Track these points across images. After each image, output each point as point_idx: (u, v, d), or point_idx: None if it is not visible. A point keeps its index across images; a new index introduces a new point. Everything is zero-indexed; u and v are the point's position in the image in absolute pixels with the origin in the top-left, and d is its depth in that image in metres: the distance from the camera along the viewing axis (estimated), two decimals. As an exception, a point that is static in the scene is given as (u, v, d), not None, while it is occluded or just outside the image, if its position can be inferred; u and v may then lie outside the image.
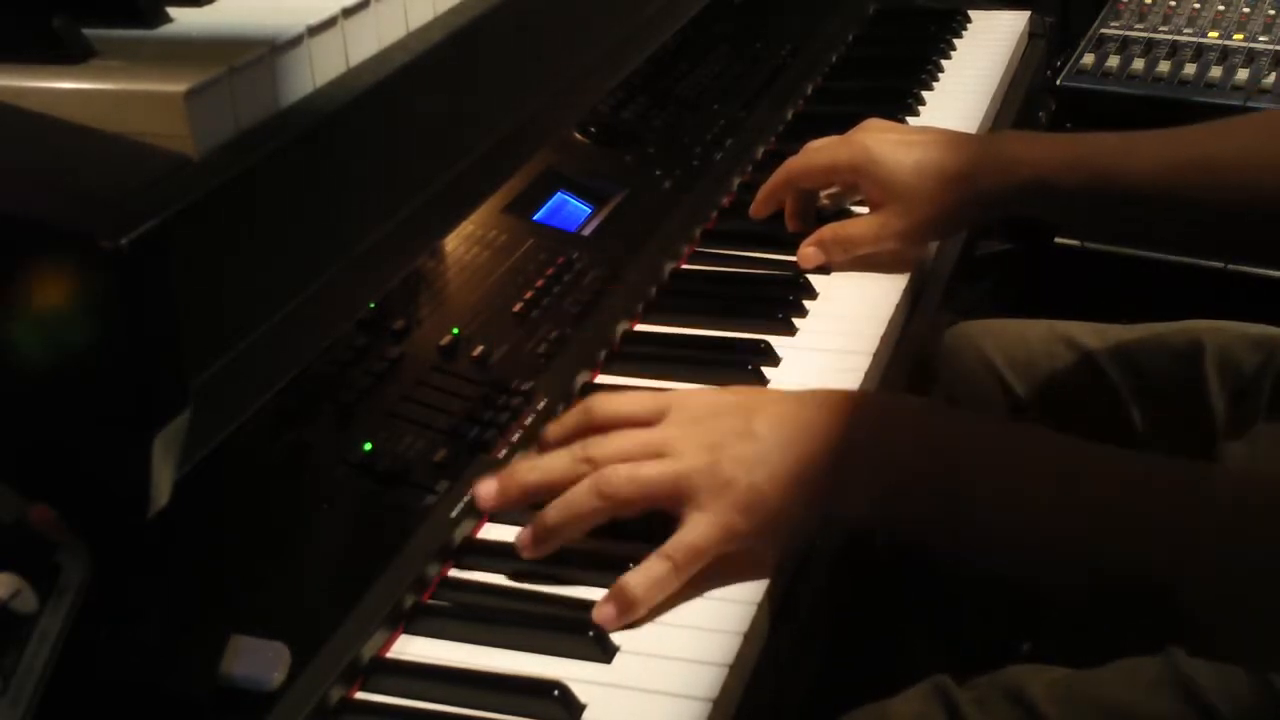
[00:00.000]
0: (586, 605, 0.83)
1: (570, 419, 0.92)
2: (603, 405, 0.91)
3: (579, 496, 0.85)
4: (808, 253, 1.16)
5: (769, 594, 0.84)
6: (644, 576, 0.82)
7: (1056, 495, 0.81)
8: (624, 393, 0.94)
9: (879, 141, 1.16)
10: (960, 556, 0.91)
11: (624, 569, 0.83)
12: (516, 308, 1.05)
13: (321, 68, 0.73)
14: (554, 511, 0.85)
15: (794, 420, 0.86)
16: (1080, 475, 0.82)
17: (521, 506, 0.88)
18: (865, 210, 1.20)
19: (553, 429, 0.92)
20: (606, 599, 0.82)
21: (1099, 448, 0.83)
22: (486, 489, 0.88)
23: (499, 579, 0.87)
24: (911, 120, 1.45)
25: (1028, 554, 0.83)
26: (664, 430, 0.87)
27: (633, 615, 0.82)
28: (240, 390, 0.70)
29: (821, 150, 1.19)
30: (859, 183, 1.18)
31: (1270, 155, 1.04)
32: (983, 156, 1.13)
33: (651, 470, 0.84)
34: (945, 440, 0.86)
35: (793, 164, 1.20)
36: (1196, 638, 0.83)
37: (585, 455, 0.87)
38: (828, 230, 1.17)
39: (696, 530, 0.83)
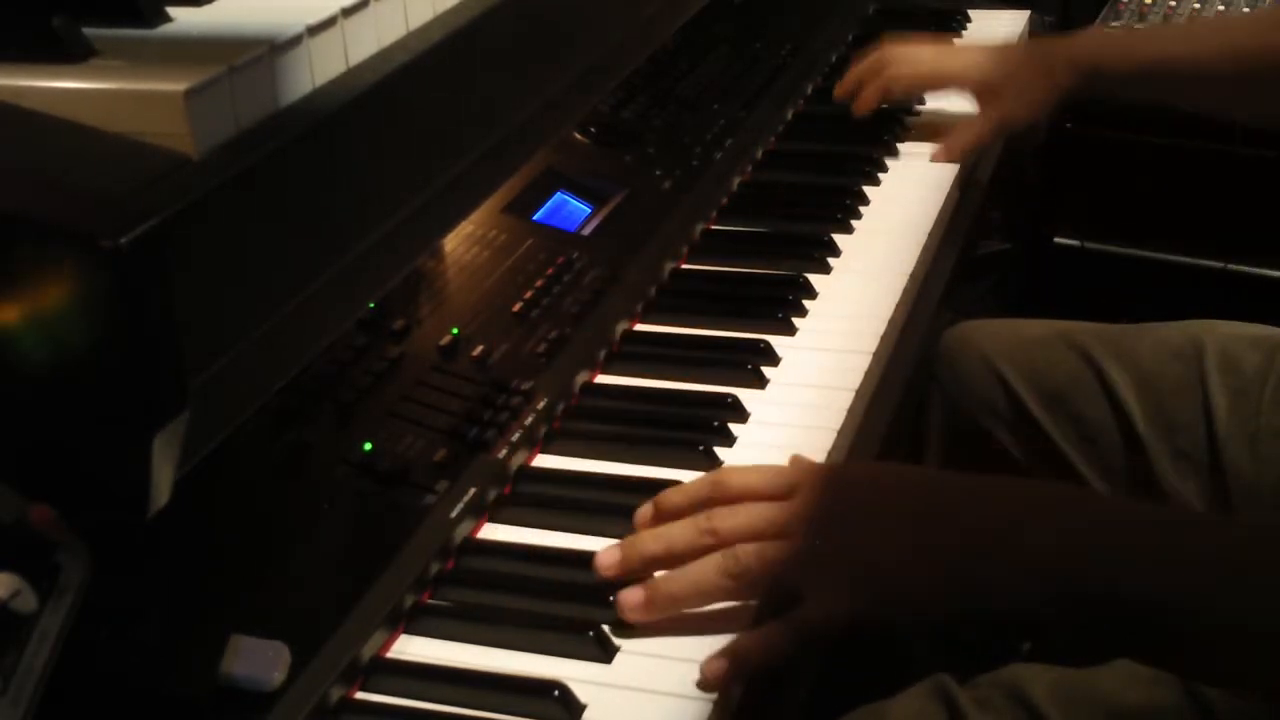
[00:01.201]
0: (587, 605, 0.83)
1: (696, 488, 0.88)
2: (731, 477, 0.88)
3: (707, 575, 0.82)
4: (944, 151, 1.37)
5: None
6: (763, 646, 0.80)
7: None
8: (753, 466, 0.91)
9: (973, 54, 1.41)
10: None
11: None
12: (516, 307, 1.05)
13: (321, 67, 0.73)
14: (678, 583, 0.83)
15: (928, 500, 0.84)
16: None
17: (643, 576, 0.85)
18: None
19: (673, 496, 0.89)
20: (714, 664, 0.80)
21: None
22: (609, 558, 0.85)
23: (499, 579, 0.87)
24: (911, 120, 1.45)
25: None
26: (792, 508, 0.84)
27: (740, 676, 0.80)
28: (240, 390, 0.70)
29: (925, 63, 1.41)
30: (961, 88, 1.40)
31: None
32: (1058, 50, 1.34)
33: (780, 551, 0.82)
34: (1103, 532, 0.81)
35: (900, 70, 1.39)
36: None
37: (710, 527, 0.84)
38: (956, 136, 1.38)
39: (819, 609, 0.81)
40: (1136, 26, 1.75)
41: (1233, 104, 1.34)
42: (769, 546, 0.82)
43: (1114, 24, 1.76)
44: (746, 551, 0.82)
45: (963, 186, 1.36)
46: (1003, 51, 1.42)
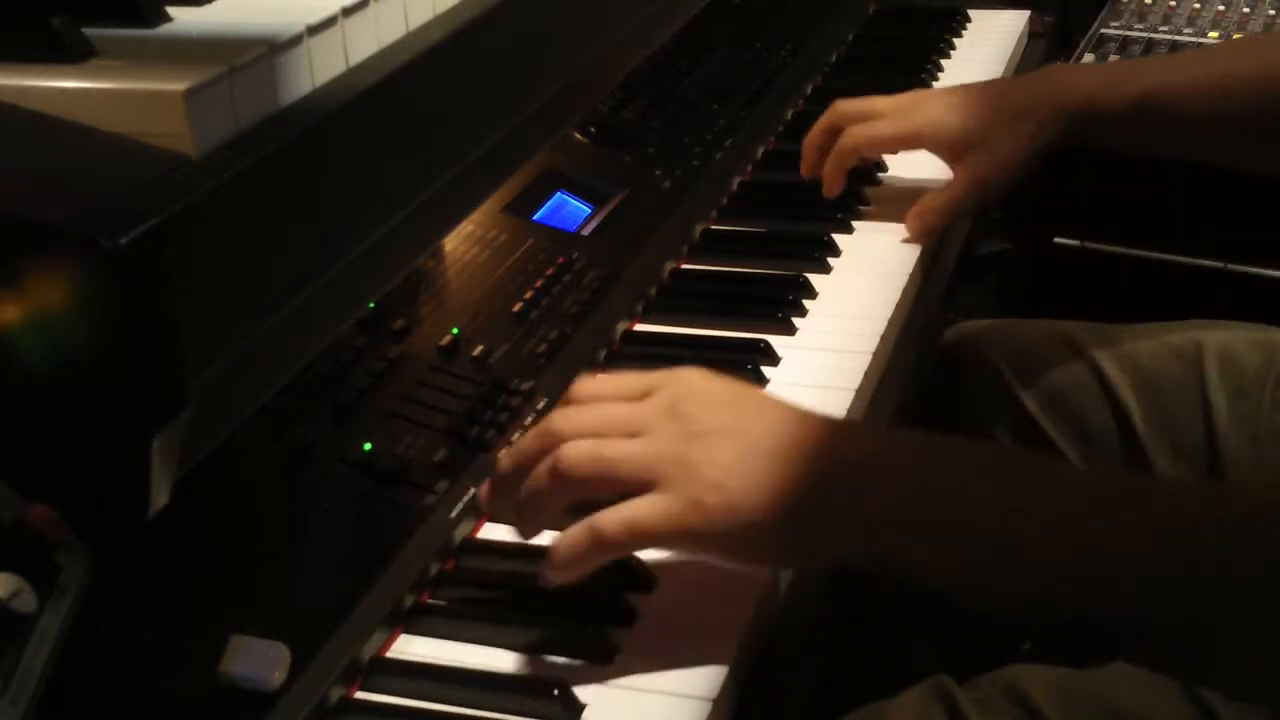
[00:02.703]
0: (587, 605, 0.83)
1: (560, 407, 0.84)
2: (585, 381, 0.84)
3: (538, 476, 0.78)
4: (915, 227, 1.21)
5: (768, 595, 0.84)
6: (568, 537, 0.76)
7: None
8: (617, 373, 0.86)
9: (936, 106, 1.23)
10: (967, 592, 0.81)
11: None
12: (516, 308, 1.05)
13: (321, 67, 0.73)
14: (522, 494, 0.79)
15: (788, 433, 0.77)
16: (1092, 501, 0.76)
17: (511, 495, 0.81)
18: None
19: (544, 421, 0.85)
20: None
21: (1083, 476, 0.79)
22: (483, 488, 0.85)
23: (499, 579, 0.87)
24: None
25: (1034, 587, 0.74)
26: (642, 408, 0.79)
27: (566, 572, 0.77)
28: (240, 390, 0.70)
29: (885, 122, 1.23)
30: (928, 148, 1.23)
31: None
32: (1036, 91, 1.20)
33: (616, 449, 0.77)
34: (959, 474, 0.77)
35: (856, 135, 1.23)
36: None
37: (548, 429, 0.79)
38: (928, 203, 1.21)
39: (645, 506, 0.75)
40: (1136, 27, 1.75)
41: (1240, 143, 1.18)
42: (605, 443, 0.77)
43: (1114, 24, 1.76)
44: (577, 448, 0.77)
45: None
46: (971, 98, 1.23)
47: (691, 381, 0.81)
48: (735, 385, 0.83)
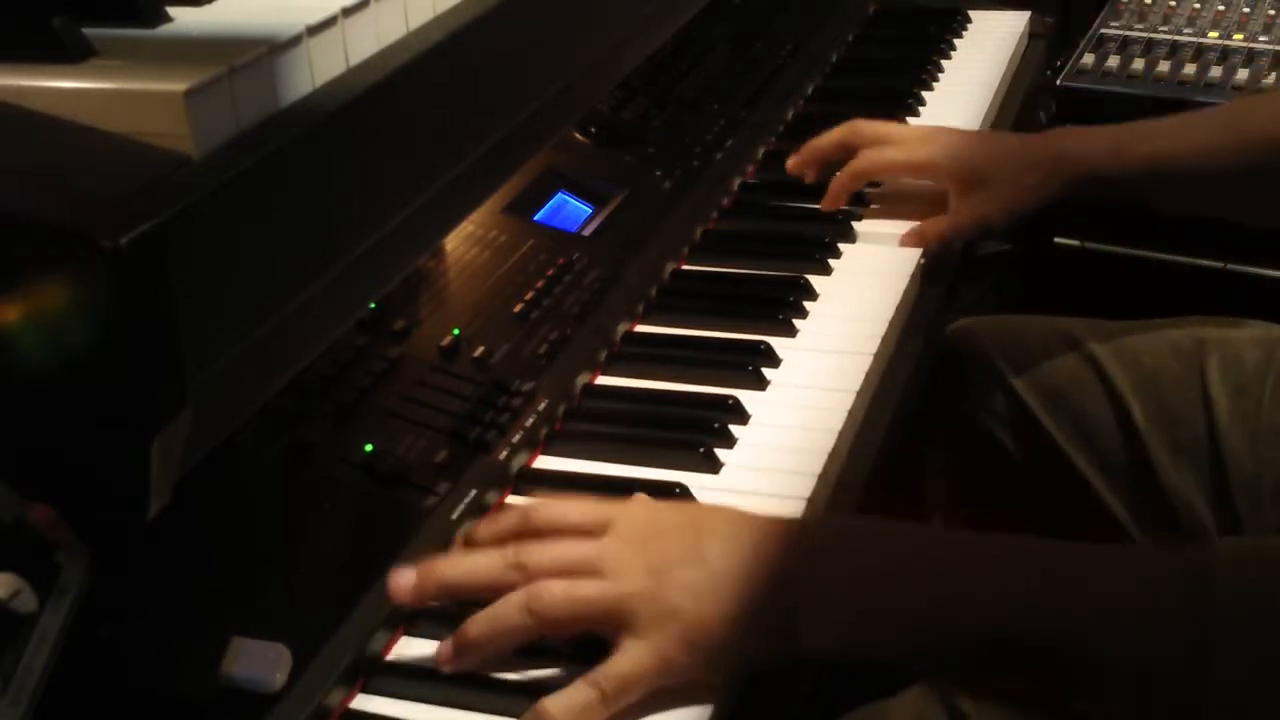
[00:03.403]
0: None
1: (506, 520, 0.85)
2: (543, 511, 0.84)
3: (508, 611, 0.78)
4: (911, 243, 1.22)
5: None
6: (567, 702, 0.75)
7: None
8: (566, 500, 0.86)
9: (954, 141, 1.27)
10: (943, 671, 0.86)
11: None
12: (517, 308, 1.05)
13: (321, 67, 0.73)
14: (478, 624, 0.78)
15: (745, 549, 0.79)
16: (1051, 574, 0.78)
17: (433, 603, 0.81)
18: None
19: (484, 527, 0.85)
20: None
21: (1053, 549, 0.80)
22: (401, 579, 0.80)
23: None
24: (912, 120, 1.45)
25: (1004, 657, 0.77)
26: (606, 546, 0.80)
27: None
28: (240, 390, 0.70)
29: (899, 149, 1.26)
30: (939, 179, 1.26)
31: None
32: (1045, 151, 1.24)
33: (589, 590, 0.78)
34: (913, 562, 0.80)
35: (870, 160, 1.26)
36: None
37: (517, 561, 0.79)
38: (931, 226, 1.23)
39: (631, 660, 0.76)
40: (1136, 27, 1.75)
41: (1246, 203, 1.19)
42: (578, 584, 0.78)
43: (1114, 24, 1.76)
44: (550, 589, 0.78)
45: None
46: (986, 141, 1.31)
47: (645, 514, 0.83)
48: (685, 509, 0.87)
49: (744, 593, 0.77)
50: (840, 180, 1.27)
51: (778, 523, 0.83)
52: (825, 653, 0.78)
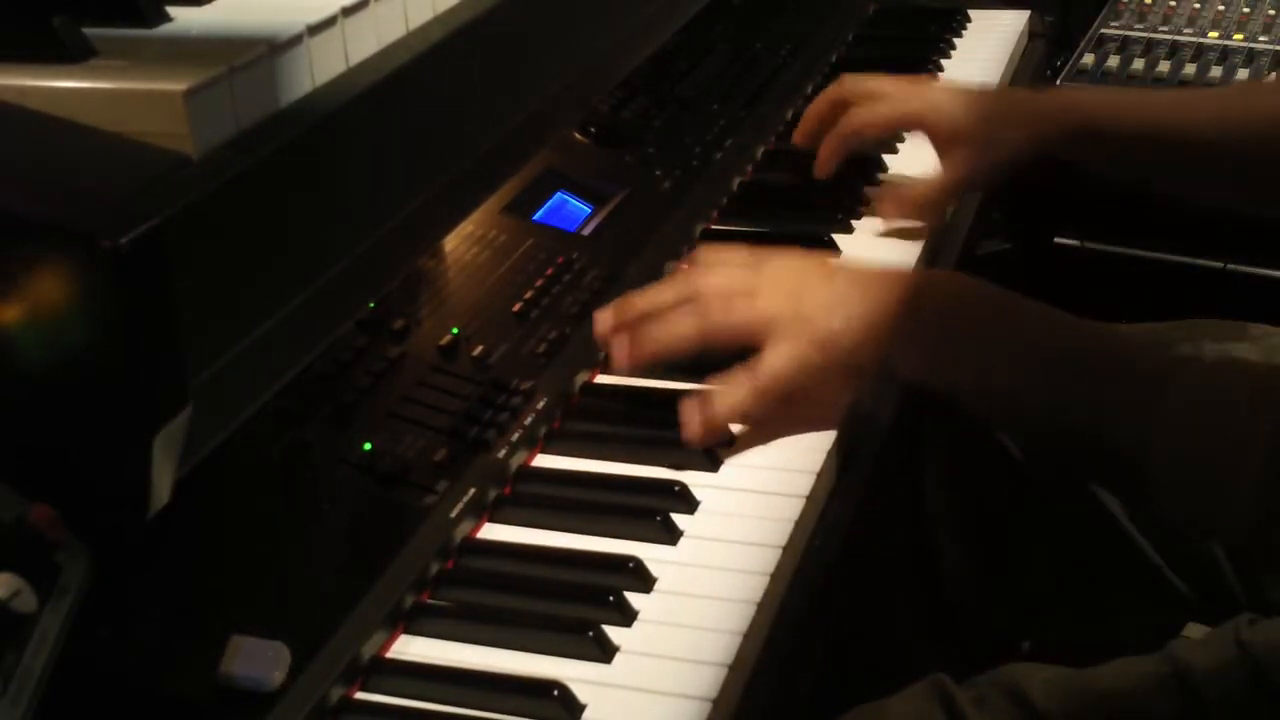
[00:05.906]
0: (587, 605, 0.83)
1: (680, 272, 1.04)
2: (708, 253, 1.04)
3: (680, 319, 0.96)
4: (888, 209, 1.24)
5: (769, 593, 0.84)
6: (726, 389, 0.93)
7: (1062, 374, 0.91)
8: (730, 248, 1.04)
9: (942, 93, 1.27)
10: (991, 415, 1.03)
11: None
12: (516, 308, 1.05)
13: (321, 67, 0.73)
14: (656, 328, 0.96)
15: (871, 280, 0.96)
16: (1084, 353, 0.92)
17: (628, 328, 0.98)
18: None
19: (665, 282, 1.02)
20: (690, 412, 0.94)
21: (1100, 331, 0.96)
22: (603, 313, 0.99)
23: (499, 579, 0.87)
24: (911, 120, 1.45)
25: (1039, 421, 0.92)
26: (758, 278, 0.97)
27: (714, 429, 0.94)
28: (240, 390, 0.70)
29: (887, 102, 1.26)
30: (925, 131, 1.25)
31: None
32: (1042, 103, 1.25)
33: (744, 305, 0.96)
34: (1005, 317, 0.94)
35: (858, 117, 1.26)
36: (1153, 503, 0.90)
37: (690, 286, 0.98)
38: (906, 192, 1.24)
39: (776, 355, 0.93)
40: (1136, 27, 1.75)
41: (1233, 184, 1.19)
42: (737, 299, 0.96)
43: (1114, 24, 1.76)
44: (715, 303, 0.96)
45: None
46: (977, 96, 1.27)
47: (789, 257, 1.01)
48: (818, 257, 1.06)
49: (865, 309, 0.94)
50: (830, 143, 1.27)
51: (900, 271, 1.03)
52: (913, 370, 0.94)
